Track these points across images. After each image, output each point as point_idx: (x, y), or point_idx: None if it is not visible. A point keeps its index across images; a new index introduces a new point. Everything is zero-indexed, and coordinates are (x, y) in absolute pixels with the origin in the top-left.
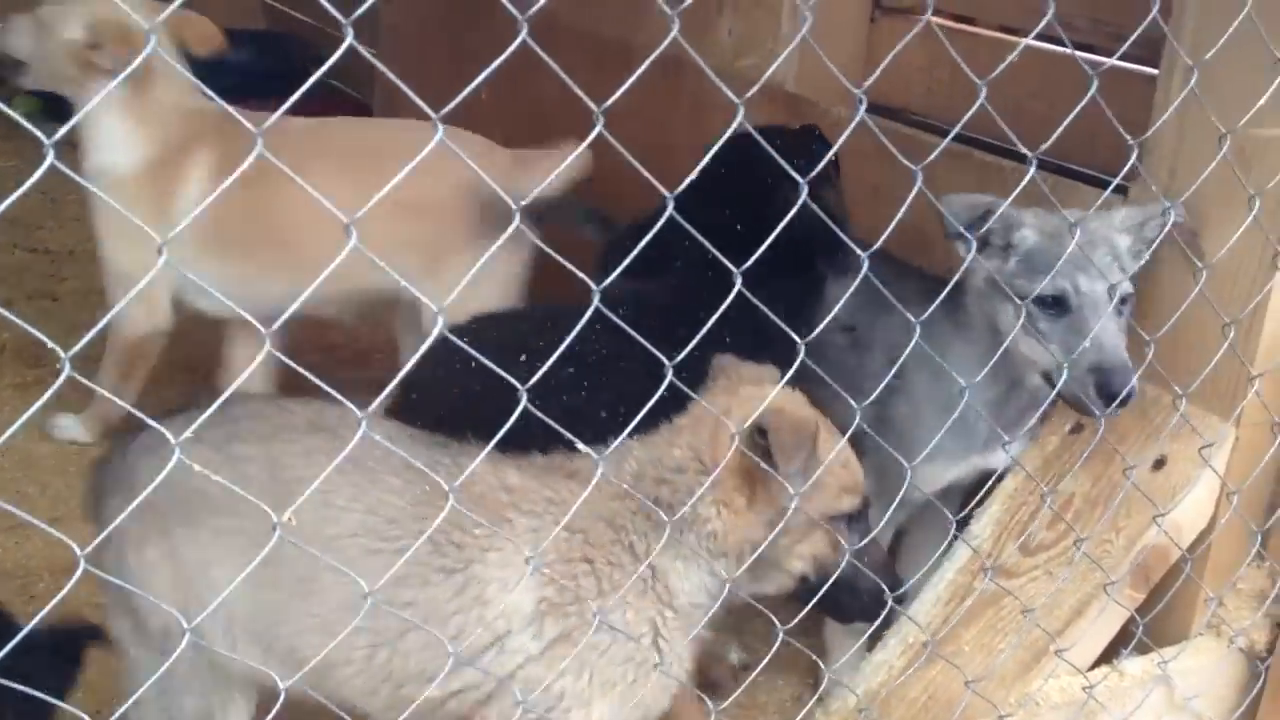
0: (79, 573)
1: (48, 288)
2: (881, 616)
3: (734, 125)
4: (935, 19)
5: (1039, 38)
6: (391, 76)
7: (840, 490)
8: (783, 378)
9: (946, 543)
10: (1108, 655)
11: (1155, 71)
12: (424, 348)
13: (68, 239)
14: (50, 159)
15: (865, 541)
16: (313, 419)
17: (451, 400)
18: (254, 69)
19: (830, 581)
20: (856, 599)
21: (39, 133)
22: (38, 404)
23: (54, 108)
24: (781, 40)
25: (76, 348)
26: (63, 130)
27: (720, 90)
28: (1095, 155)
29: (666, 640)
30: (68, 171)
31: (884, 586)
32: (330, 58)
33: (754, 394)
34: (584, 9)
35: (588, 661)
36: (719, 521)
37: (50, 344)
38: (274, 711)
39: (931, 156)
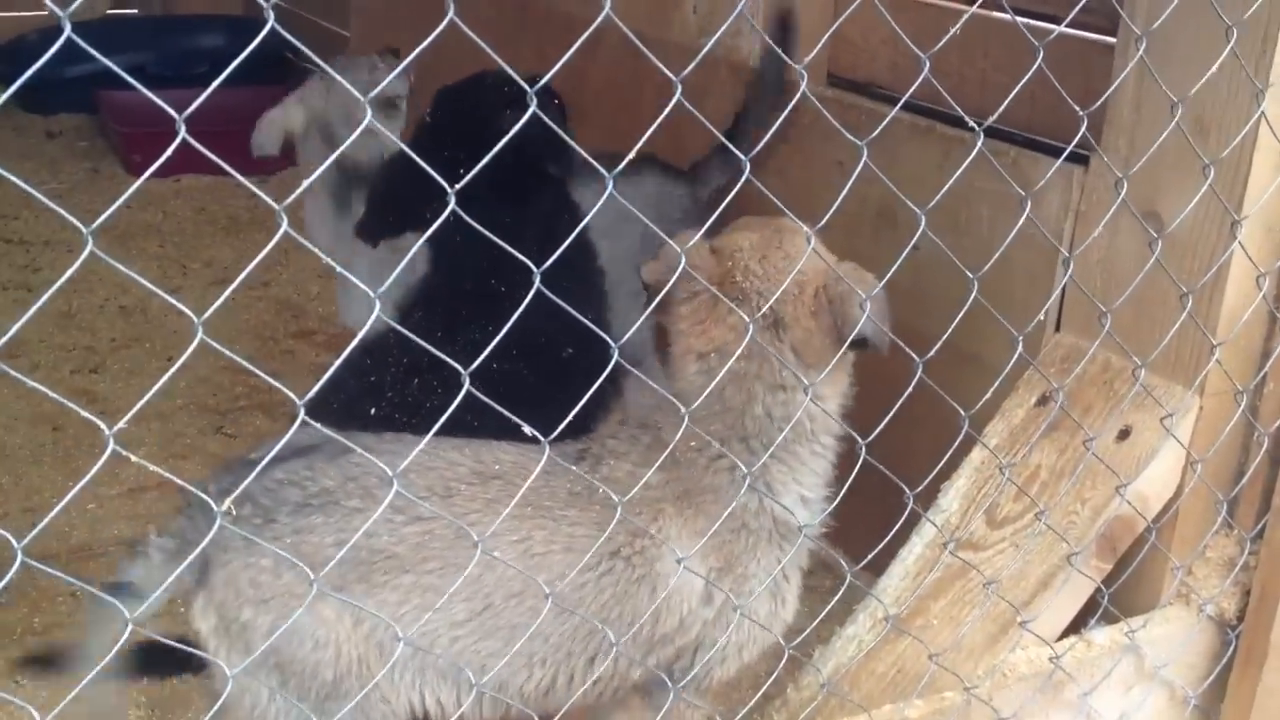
0: (15, 567)
1: (23, 279)
2: None
3: (672, 103)
4: None
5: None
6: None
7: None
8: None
9: (904, 516)
10: (1077, 627)
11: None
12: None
13: (43, 230)
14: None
15: None
16: (477, 468)
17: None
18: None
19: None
20: None
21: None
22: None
23: None
24: (744, 17)
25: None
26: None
27: (680, 69)
28: (1061, 127)
29: (787, 577)
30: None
31: None
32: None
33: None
34: None
35: (747, 610)
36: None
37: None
38: None
39: (877, 131)
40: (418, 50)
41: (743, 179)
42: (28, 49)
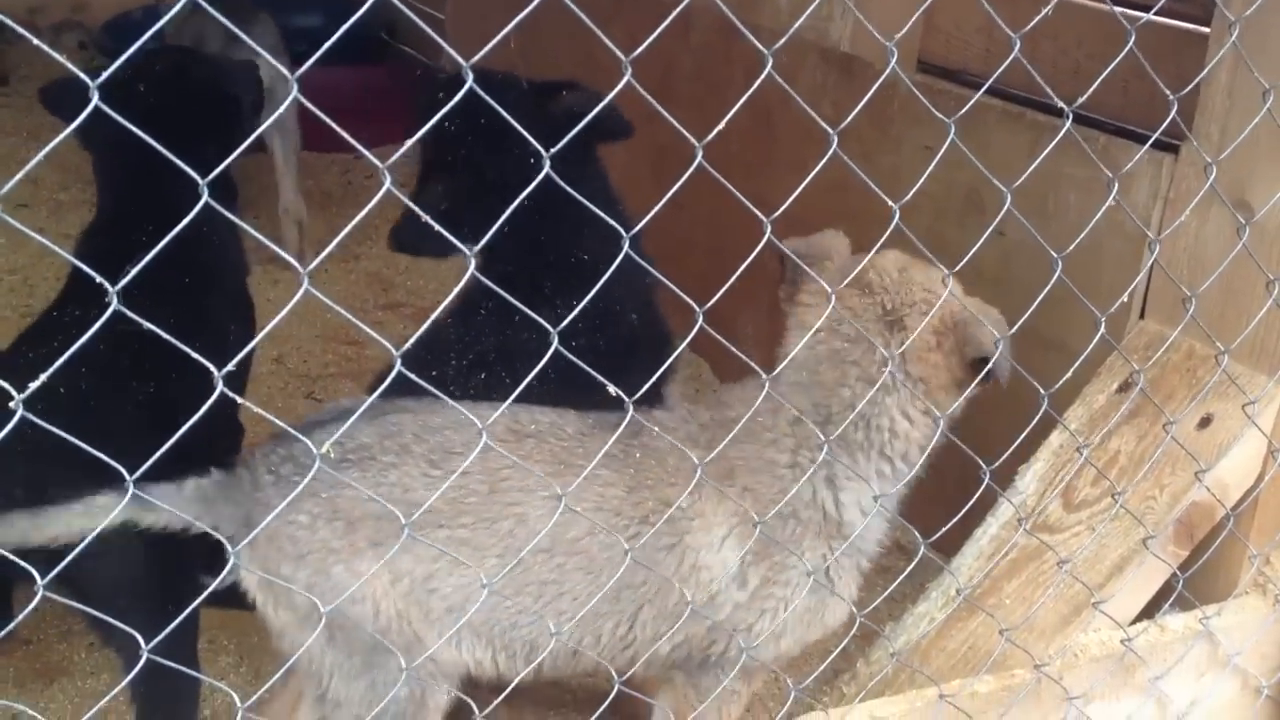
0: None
1: None
2: None
3: (760, 78)
4: None
5: None
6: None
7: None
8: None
9: (979, 493)
10: (1151, 613)
11: None
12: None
13: None
14: None
15: None
16: (511, 425)
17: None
18: (325, 35)
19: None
20: None
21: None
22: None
23: None
24: (836, 1)
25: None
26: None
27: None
28: (1152, 117)
29: (837, 568)
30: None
31: None
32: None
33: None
34: None
35: (781, 599)
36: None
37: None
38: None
39: (966, 107)
40: (517, 20)
41: None
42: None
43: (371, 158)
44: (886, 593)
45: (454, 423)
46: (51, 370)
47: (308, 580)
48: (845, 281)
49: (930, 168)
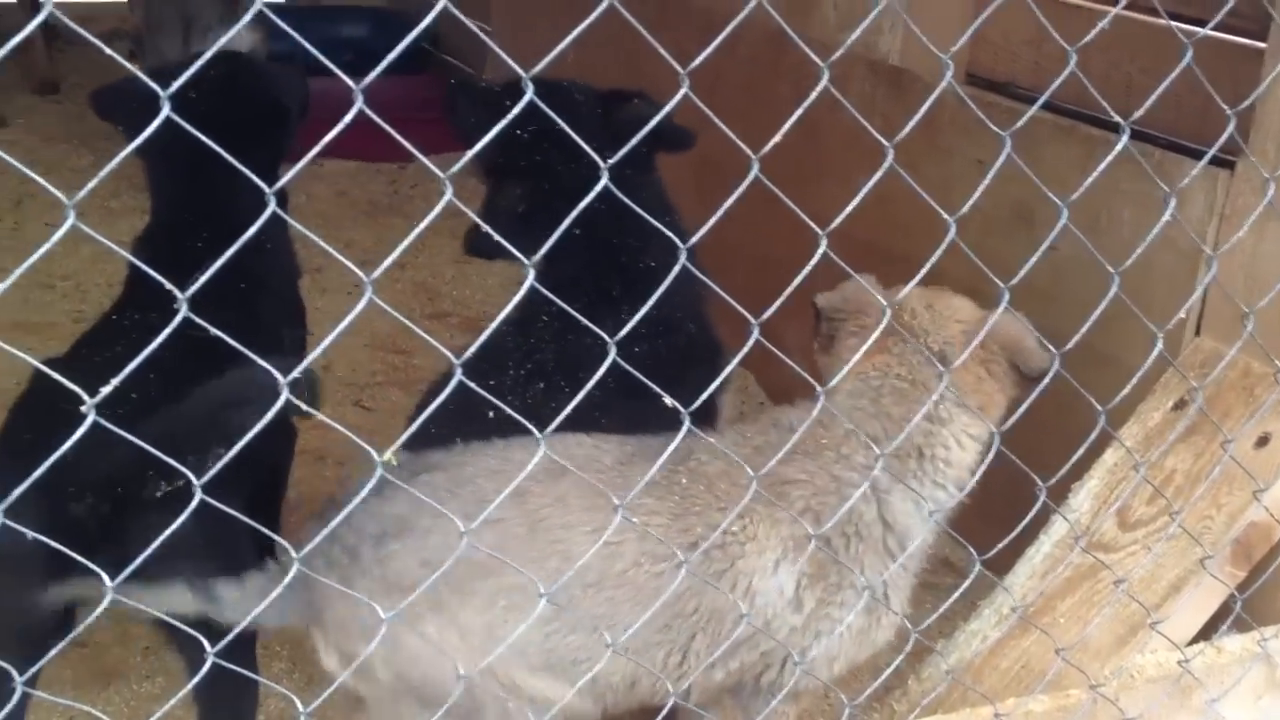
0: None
1: None
2: None
3: (816, 91)
4: None
5: (1149, 12)
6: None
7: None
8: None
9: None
10: (1208, 634)
11: None
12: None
13: None
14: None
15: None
16: (546, 464)
17: None
18: (370, 45)
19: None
20: None
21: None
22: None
23: None
24: (887, 13)
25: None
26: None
27: (824, 63)
28: (1206, 132)
29: (893, 584)
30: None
31: None
32: (442, 36)
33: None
34: None
35: (836, 620)
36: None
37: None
38: None
39: (1022, 121)
40: (577, 31)
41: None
42: None
43: (433, 168)
44: (941, 610)
45: (485, 471)
46: (122, 376)
47: (385, 654)
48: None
49: (986, 181)
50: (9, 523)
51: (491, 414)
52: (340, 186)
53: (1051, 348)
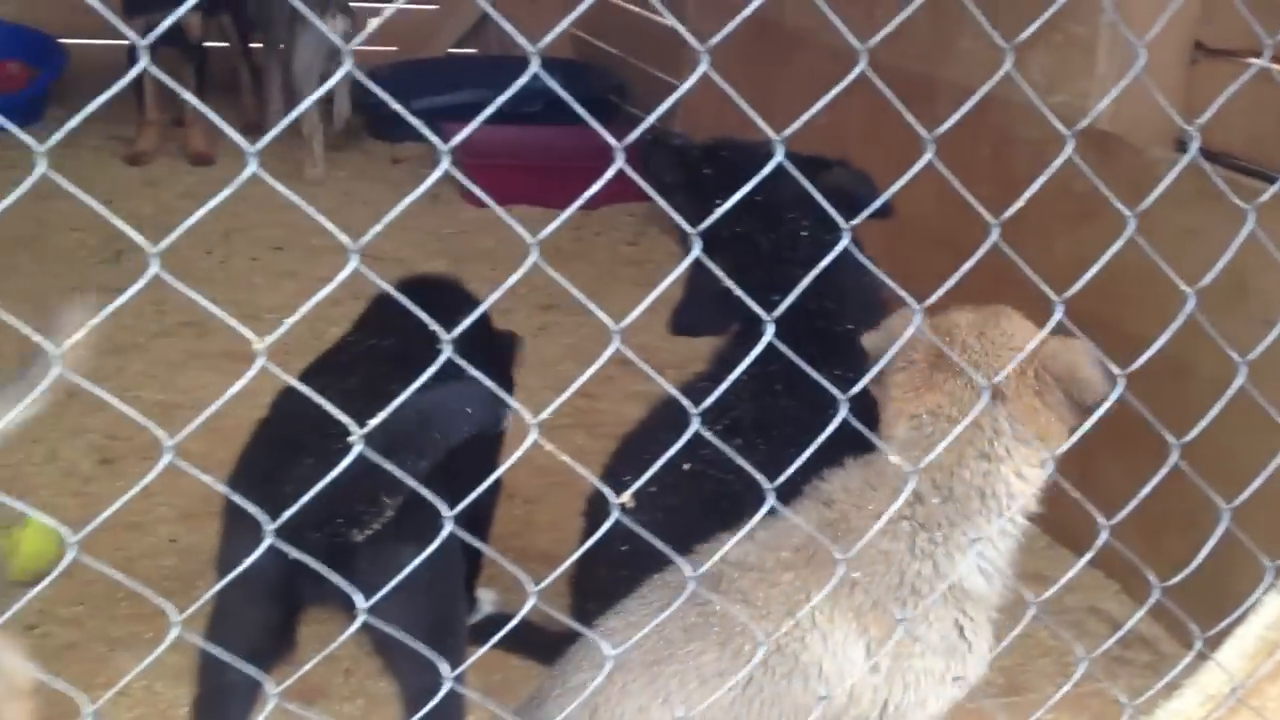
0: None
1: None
2: None
3: (1063, 157)
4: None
5: None
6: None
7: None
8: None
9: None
10: None
11: None
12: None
13: (386, 246)
14: None
15: None
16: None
17: None
18: (558, 94)
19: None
20: None
21: None
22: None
23: None
24: (1096, 79)
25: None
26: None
27: (1024, 126)
28: None
29: (972, 628)
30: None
31: None
32: (629, 88)
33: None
34: (889, 44)
35: (916, 670)
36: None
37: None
38: None
39: (1264, 197)
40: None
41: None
42: (379, 81)
43: (682, 222)
44: (1155, 688)
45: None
46: (390, 410)
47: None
48: (929, 376)
49: (1231, 254)
50: (276, 542)
51: (687, 465)
52: (529, 232)
53: (1116, 370)
